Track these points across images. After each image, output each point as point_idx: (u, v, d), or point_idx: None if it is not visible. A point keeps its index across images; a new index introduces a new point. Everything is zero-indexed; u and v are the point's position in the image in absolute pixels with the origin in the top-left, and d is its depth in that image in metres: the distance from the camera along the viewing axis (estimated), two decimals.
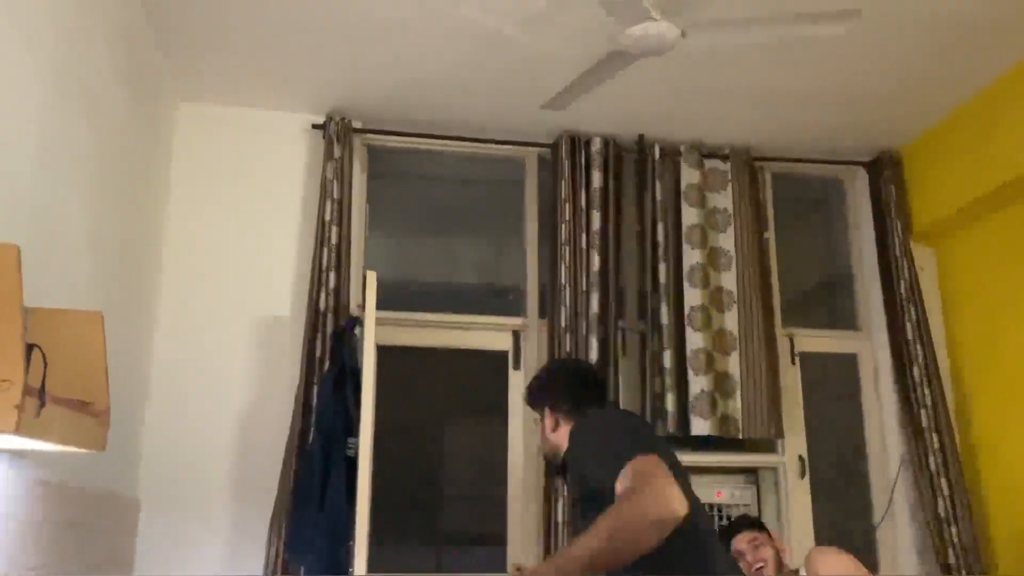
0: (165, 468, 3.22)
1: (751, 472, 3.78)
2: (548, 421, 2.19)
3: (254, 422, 3.36)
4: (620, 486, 1.63)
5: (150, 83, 3.23)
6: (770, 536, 2.98)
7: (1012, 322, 3.53)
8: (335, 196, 3.54)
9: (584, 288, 3.61)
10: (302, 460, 3.18)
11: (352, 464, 3.01)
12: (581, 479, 1.90)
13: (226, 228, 3.56)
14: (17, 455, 2.02)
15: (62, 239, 2.37)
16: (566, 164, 3.74)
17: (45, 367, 1.55)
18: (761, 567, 2.88)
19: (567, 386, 2.25)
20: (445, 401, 4.00)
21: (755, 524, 3.02)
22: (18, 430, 1.45)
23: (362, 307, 3.33)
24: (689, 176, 3.84)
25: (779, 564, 2.92)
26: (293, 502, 3.13)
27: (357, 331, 3.30)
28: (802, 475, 3.74)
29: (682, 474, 1.80)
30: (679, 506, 1.53)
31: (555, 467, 2.24)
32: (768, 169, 4.08)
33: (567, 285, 3.62)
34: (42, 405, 1.54)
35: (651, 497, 1.54)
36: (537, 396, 2.28)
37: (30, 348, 1.52)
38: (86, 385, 1.84)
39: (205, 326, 3.42)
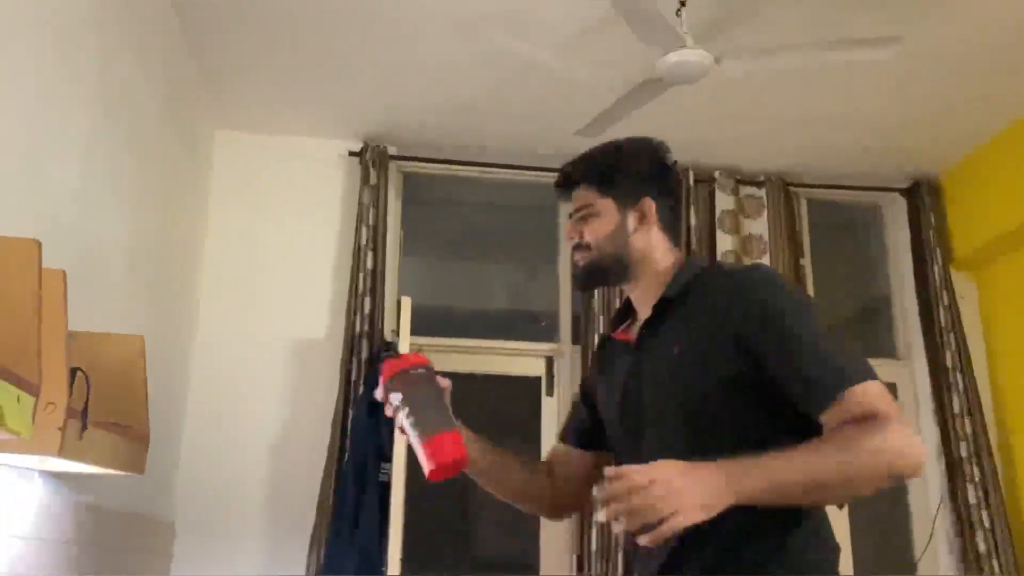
0: (200, 492, 3.24)
1: None
2: (628, 216, 1.49)
3: (289, 445, 3.38)
4: (843, 411, 1.22)
5: (189, 110, 3.29)
6: None
7: None
8: (370, 222, 3.57)
9: None
10: (339, 483, 3.19)
11: (385, 489, 3.02)
12: (746, 353, 1.33)
13: (263, 253, 3.60)
14: (57, 477, 2.05)
15: (104, 263, 2.41)
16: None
17: (88, 390, 1.57)
18: None
19: (670, 179, 1.59)
20: (478, 426, 3.98)
21: None
22: (61, 452, 1.47)
23: (396, 332, 3.34)
24: (724, 202, 3.82)
25: None
26: (330, 523, 3.13)
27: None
28: (840, 506, 3.67)
29: None
30: (924, 458, 1.23)
31: (600, 280, 1.57)
32: (804, 195, 4.04)
33: (601, 311, 3.61)
34: (84, 428, 1.56)
35: (907, 442, 1.21)
36: (630, 175, 1.52)
37: (73, 372, 1.54)
38: (126, 409, 1.86)
39: (242, 349, 3.46)
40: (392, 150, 3.75)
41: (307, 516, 3.19)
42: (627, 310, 1.59)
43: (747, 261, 3.78)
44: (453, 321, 3.95)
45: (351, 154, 3.72)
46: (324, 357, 3.46)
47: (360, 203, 3.60)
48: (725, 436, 1.34)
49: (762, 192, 3.88)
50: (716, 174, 3.86)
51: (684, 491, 1.11)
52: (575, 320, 3.80)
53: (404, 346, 3.21)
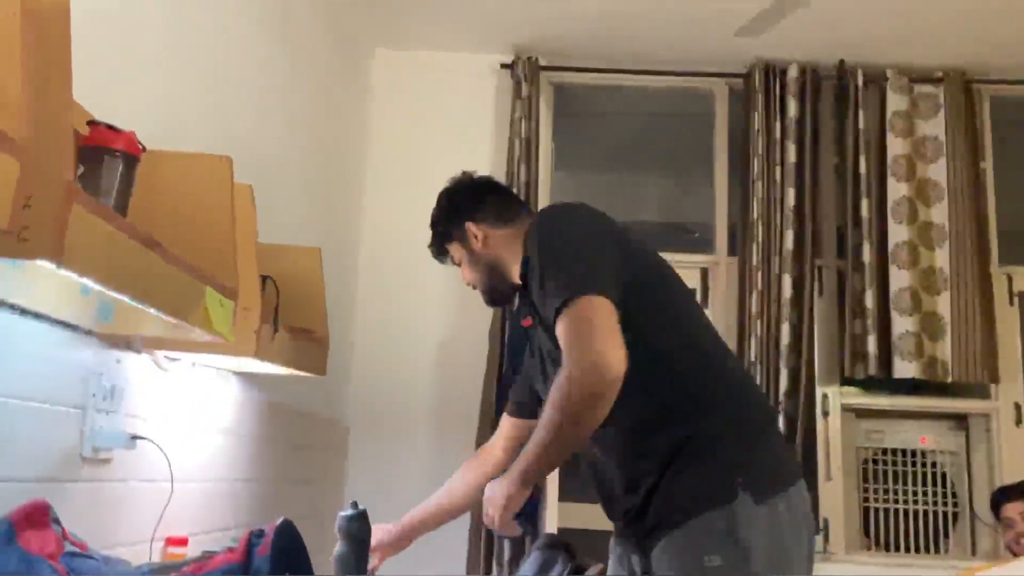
0: (371, 394, 3.44)
1: (959, 418, 3.56)
2: (469, 243, 1.76)
3: (451, 353, 3.52)
4: (560, 340, 1.45)
5: (350, 30, 3.37)
6: None
7: None
8: (523, 135, 3.58)
9: (778, 224, 3.48)
10: (500, 389, 3.31)
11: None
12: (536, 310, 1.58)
13: (420, 168, 3.68)
14: (248, 377, 2.22)
15: (279, 178, 2.55)
16: (759, 94, 3.58)
17: (278, 296, 1.68)
18: None
19: (477, 191, 1.84)
20: None
21: None
22: (257, 353, 1.60)
23: None
24: (896, 103, 3.58)
25: None
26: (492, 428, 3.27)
27: None
28: (1018, 423, 3.48)
29: (681, 304, 1.61)
30: (612, 366, 1.37)
31: (501, 296, 1.82)
32: (986, 92, 3.73)
33: (759, 221, 3.50)
34: (275, 331, 1.68)
35: (586, 365, 1.38)
36: (449, 218, 1.81)
37: (264, 279, 1.66)
38: (308, 315, 1.99)
39: (404, 261, 3.58)
40: (543, 61, 3.72)
41: (471, 420, 3.34)
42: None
43: (920, 165, 3.56)
44: None
45: (502, 67, 3.72)
46: None
47: (512, 116, 3.61)
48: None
49: (939, 90, 3.60)
50: (887, 72, 3.61)
51: (493, 497, 1.59)
52: (731, 231, 3.71)
53: None
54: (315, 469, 3.03)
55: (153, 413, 1.74)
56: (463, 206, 1.81)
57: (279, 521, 1.12)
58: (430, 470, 3.42)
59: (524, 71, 3.64)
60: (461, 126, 3.74)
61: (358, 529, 1.63)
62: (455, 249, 1.80)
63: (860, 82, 3.60)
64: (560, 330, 1.44)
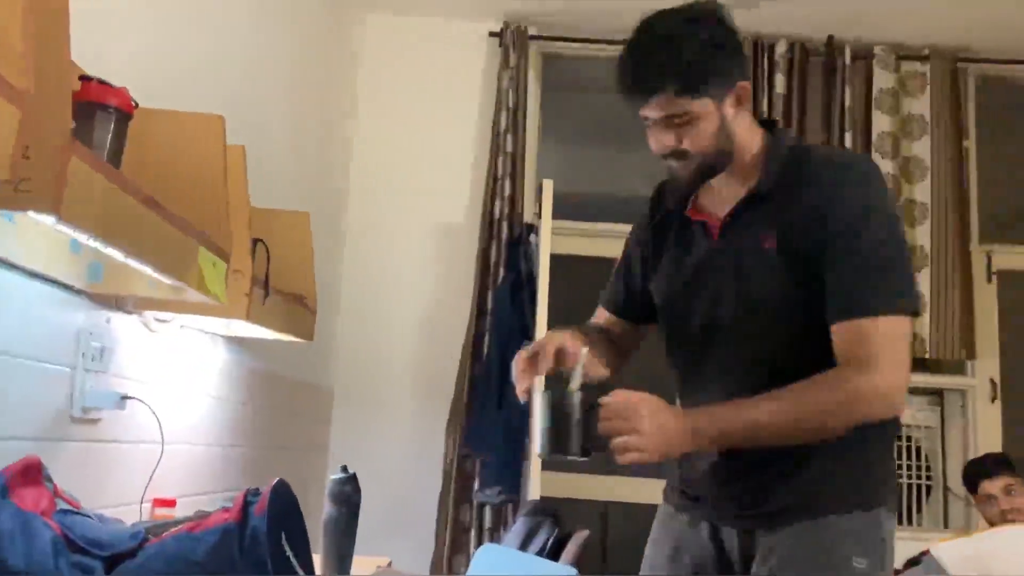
0: (355, 362, 3.44)
1: (935, 394, 3.62)
2: (724, 107, 1.36)
3: (434, 322, 3.52)
4: (847, 345, 1.30)
5: None
6: (1023, 481, 2.82)
7: None
8: (510, 105, 3.56)
9: None
10: (479, 361, 3.31)
11: None
12: (805, 257, 1.34)
13: (408, 136, 3.67)
14: (236, 342, 2.22)
15: (269, 141, 2.53)
16: (748, 68, 3.58)
17: (268, 260, 1.68)
18: (1015, 517, 2.73)
19: (737, 37, 1.40)
20: None
21: (1011, 466, 2.86)
22: (248, 316, 1.59)
23: (538, 215, 3.37)
24: (883, 80, 3.59)
25: None
26: (471, 403, 3.28)
27: (532, 239, 3.36)
28: (993, 399, 3.54)
29: None
30: (902, 404, 1.33)
31: (700, 182, 1.43)
32: (973, 72, 3.75)
33: None
34: (267, 295, 1.67)
35: (884, 390, 1.28)
36: (725, 65, 1.36)
37: (255, 242, 1.65)
38: (297, 279, 1.98)
39: (389, 229, 3.58)
40: (533, 31, 3.69)
41: (449, 392, 3.35)
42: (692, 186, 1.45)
43: (905, 143, 3.58)
44: (589, 206, 3.94)
45: (491, 35, 3.69)
46: (465, 238, 3.54)
47: (500, 85, 3.59)
48: (804, 349, 1.36)
49: (926, 68, 3.62)
50: (876, 49, 3.61)
51: (654, 434, 1.27)
52: None
53: (546, 229, 3.24)
54: (300, 435, 3.03)
55: (142, 374, 1.73)
56: (737, 54, 1.41)
57: (275, 481, 1.12)
58: (411, 437, 3.44)
59: (513, 39, 3.61)
60: (449, 93, 3.72)
61: (350, 493, 1.63)
62: (702, 105, 1.33)
63: (848, 59, 3.60)
64: (867, 332, 1.29)
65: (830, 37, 3.63)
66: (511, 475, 3.17)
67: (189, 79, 1.94)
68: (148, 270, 1.17)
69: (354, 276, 3.52)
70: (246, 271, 1.57)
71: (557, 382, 1.36)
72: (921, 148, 3.56)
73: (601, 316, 1.64)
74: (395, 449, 3.43)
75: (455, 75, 3.72)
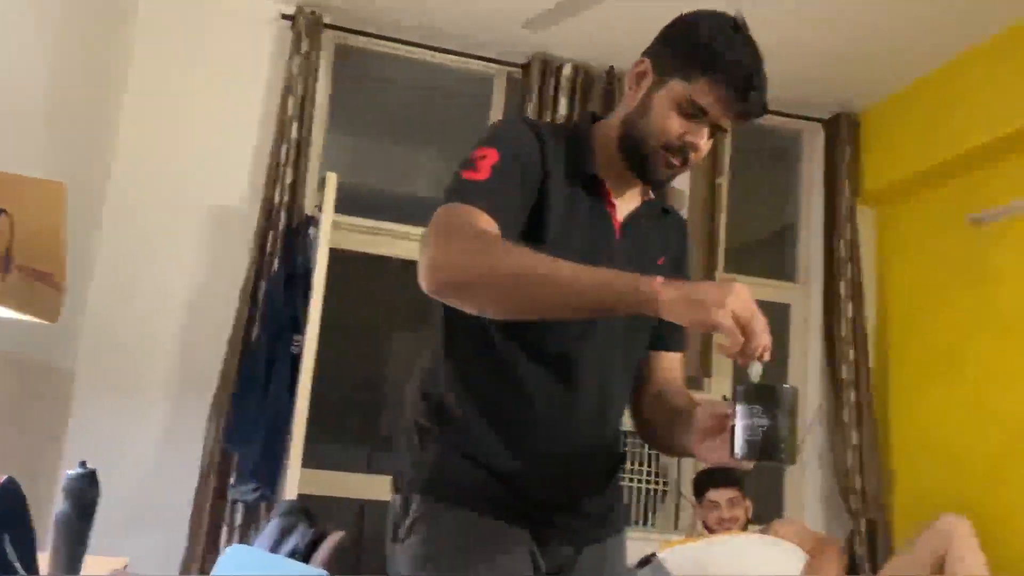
0: (105, 342, 3.20)
1: None
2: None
3: (198, 310, 3.35)
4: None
5: None
6: (743, 496, 3.16)
7: (940, 292, 3.70)
8: (298, 92, 3.47)
9: None
10: (246, 352, 3.19)
11: (296, 361, 3.05)
12: None
13: (184, 112, 3.47)
14: None
15: (22, 102, 2.30)
16: (535, 87, 3.73)
17: (12, 233, 1.53)
18: (730, 526, 3.07)
19: None
20: (391, 310, 4.03)
21: (737, 482, 3.17)
22: None
23: (319, 207, 3.31)
24: None
25: (745, 523, 3.14)
26: (235, 392, 3.15)
27: (311, 231, 3.30)
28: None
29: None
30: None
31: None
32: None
33: None
34: (7, 271, 1.52)
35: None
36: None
37: None
38: (46, 255, 1.81)
39: (156, 209, 3.37)
40: (327, 19, 3.62)
41: (211, 381, 3.20)
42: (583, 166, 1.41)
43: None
44: (373, 202, 3.92)
45: (283, 17, 3.58)
46: (240, 224, 3.41)
47: (289, 71, 3.49)
48: (635, 362, 1.48)
49: None
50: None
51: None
52: None
53: (326, 222, 3.19)
54: (31, 421, 2.77)
55: None
56: None
57: (3, 479, 1.03)
58: (167, 427, 3.26)
59: (305, 25, 3.52)
60: (232, 72, 3.56)
61: (86, 489, 1.53)
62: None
63: (626, 88, 3.84)
64: None
65: (611, 67, 3.85)
66: (269, 472, 3.08)
67: None
68: None
69: (112, 253, 3.27)
70: None
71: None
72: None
73: (481, 220, 1.27)
74: (148, 440, 3.23)
75: (242, 54, 3.57)
